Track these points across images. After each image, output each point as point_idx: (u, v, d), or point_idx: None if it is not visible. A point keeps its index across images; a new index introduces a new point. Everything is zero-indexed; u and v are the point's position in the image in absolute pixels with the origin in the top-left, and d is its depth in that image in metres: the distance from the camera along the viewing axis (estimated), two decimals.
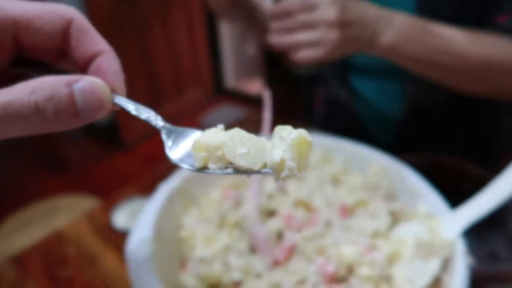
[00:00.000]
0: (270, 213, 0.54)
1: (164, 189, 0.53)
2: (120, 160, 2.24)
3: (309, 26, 0.54)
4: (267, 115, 0.63)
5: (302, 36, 0.55)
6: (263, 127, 0.62)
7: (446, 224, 0.45)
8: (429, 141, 0.76)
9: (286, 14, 0.56)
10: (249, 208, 0.51)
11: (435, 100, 0.72)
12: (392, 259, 0.46)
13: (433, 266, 0.43)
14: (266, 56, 0.88)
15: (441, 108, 0.73)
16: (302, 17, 0.54)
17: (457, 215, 0.46)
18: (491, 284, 0.57)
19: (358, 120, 0.80)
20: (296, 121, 0.95)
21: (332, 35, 0.53)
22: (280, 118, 0.95)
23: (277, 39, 0.57)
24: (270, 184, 0.55)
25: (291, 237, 0.48)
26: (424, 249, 0.43)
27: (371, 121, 0.79)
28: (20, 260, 0.65)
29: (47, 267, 0.63)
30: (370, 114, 0.78)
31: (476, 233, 0.62)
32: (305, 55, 0.55)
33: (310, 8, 0.54)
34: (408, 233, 0.48)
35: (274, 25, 0.57)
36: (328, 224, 0.49)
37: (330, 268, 0.42)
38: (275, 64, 0.90)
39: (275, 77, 0.94)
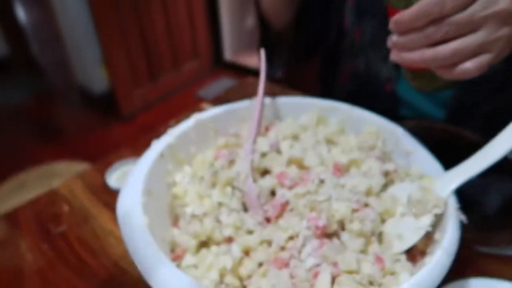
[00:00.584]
0: (263, 173, 0.54)
1: (157, 146, 0.53)
2: (117, 130, 2.23)
3: (473, 26, 0.40)
4: (262, 76, 0.62)
5: (464, 42, 0.40)
6: (258, 89, 0.61)
7: (440, 183, 0.45)
8: (481, 114, 0.71)
9: (428, 17, 0.40)
10: (242, 166, 0.51)
11: (494, 68, 0.66)
12: (384, 217, 0.46)
13: (424, 223, 0.43)
14: (261, 22, 0.84)
15: (496, 76, 0.66)
16: (461, 16, 0.39)
17: (451, 174, 0.45)
18: (481, 247, 0.57)
19: (394, 96, 0.74)
20: (295, 90, 0.94)
21: (504, 31, 0.40)
22: (279, 86, 0.94)
23: (419, 56, 0.42)
24: (264, 144, 0.54)
25: (283, 194, 0.48)
26: (416, 206, 0.43)
27: (419, 95, 0.73)
28: (12, 217, 0.65)
29: (40, 224, 0.63)
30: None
31: (471, 198, 0.62)
32: (468, 66, 0.41)
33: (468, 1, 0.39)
34: (401, 192, 0.48)
35: (411, 37, 0.42)
36: (321, 182, 0.48)
37: (321, 223, 0.42)
38: (270, 32, 0.86)
39: (272, 45, 0.90)
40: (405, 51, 0.44)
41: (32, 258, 0.58)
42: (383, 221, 0.47)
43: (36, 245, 0.60)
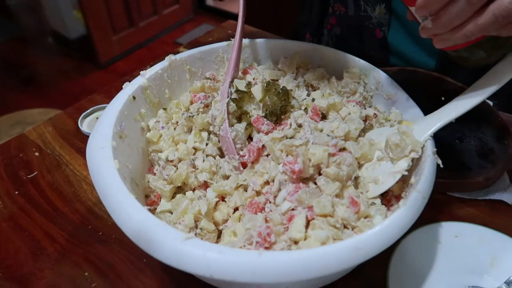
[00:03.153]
0: (240, 118, 0.52)
1: (128, 88, 0.50)
2: (95, 78, 2.16)
3: None
4: (240, 16, 0.58)
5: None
6: (236, 29, 0.58)
7: (418, 127, 0.44)
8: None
9: None
10: (218, 109, 0.49)
11: None
12: (361, 161, 0.46)
13: (401, 167, 0.42)
14: None
15: None
16: None
17: (430, 119, 0.44)
18: (454, 192, 0.58)
19: (384, 44, 0.72)
20: (279, 34, 0.90)
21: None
22: (260, 29, 0.90)
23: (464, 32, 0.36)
24: (241, 86, 0.52)
25: (259, 138, 0.46)
26: (394, 150, 0.43)
27: (409, 42, 0.71)
28: None
29: (10, 170, 0.61)
30: (407, 35, 0.70)
31: (448, 144, 0.62)
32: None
33: None
34: (379, 137, 0.47)
35: (449, 15, 0.36)
36: (298, 127, 0.47)
37: (297, 167, 0.41)
38: None
39: None
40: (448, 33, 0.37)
41: (3, 204, 0.56)
42: (360, 165, 0.46)
43: (7, 191, 0.58)
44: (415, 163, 0.43)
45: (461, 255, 0.49)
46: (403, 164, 0.43)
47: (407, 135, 0.43)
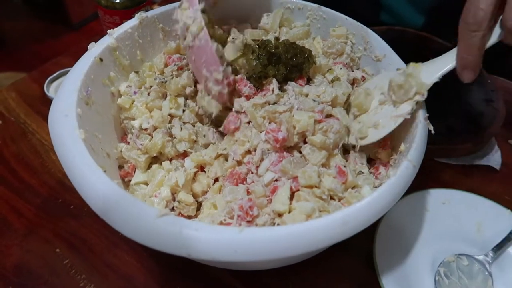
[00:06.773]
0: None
1: (94, 49, 0.45)
2: (66, 39, 2.04)
3: None
4: None
5: None
6: None
7: (426, 69, 0.40)
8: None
9: None
10: (190, 17, 0.41)
11: None
12: (355, 113, 0.43)
13: (403, 111, 0.39)
14: None
15: None
16: None
17: (439, 61, 0.40)
18: (442, 158, 0.57)
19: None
20: None
21: None
22: None
23: None
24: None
25: (240, 104, 0.43)
26: (396, 92, 0.39)
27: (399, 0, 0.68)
28: None
29: None
30: None
31: (435, 110, 0.60)
32: None
33: None
34: (382, 80, 0.43)
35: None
36: (282, 91, 0.44)
37: (281, 135, 0.38)
38: None
39: None
40: None
41: None
42: (355, 116, 0.43)
43: None
44: (405, 129, 0.41)
45: (448, 223, 0.48)
46: (406, 108, 0.39)
47: (412, 77, 0.39)
